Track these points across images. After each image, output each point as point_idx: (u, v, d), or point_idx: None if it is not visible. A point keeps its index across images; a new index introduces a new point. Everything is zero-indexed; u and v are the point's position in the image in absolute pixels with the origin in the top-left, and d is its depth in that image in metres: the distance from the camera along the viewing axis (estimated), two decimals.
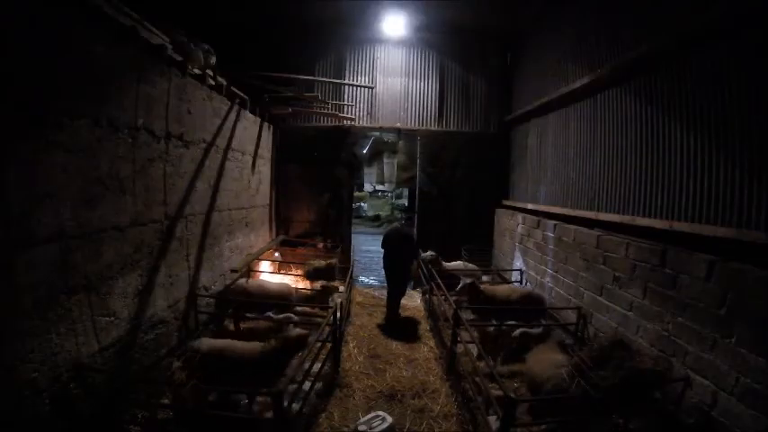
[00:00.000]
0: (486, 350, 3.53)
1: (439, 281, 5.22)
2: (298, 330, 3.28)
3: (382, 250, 5.57)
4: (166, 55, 3.49)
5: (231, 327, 4.40)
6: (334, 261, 5.95)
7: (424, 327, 5.40)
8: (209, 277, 4.49)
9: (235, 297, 4.45)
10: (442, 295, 4.97)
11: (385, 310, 5.68)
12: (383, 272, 5.68)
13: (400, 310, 5.68)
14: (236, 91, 5.10)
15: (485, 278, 6.35)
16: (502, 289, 5.09)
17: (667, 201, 3.26)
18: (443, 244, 7.06)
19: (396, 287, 5.50)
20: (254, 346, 3.10)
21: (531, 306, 4.63)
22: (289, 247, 7.21)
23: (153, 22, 3.25)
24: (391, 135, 7.64)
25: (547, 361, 3.13)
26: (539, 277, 5.34)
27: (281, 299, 4.59)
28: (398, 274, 5.47)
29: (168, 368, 2.85)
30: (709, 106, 2.85)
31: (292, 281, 6.18)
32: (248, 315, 4.41)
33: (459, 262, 6.53)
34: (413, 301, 6.65)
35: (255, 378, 2.93)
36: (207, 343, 3.10)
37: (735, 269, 2.47)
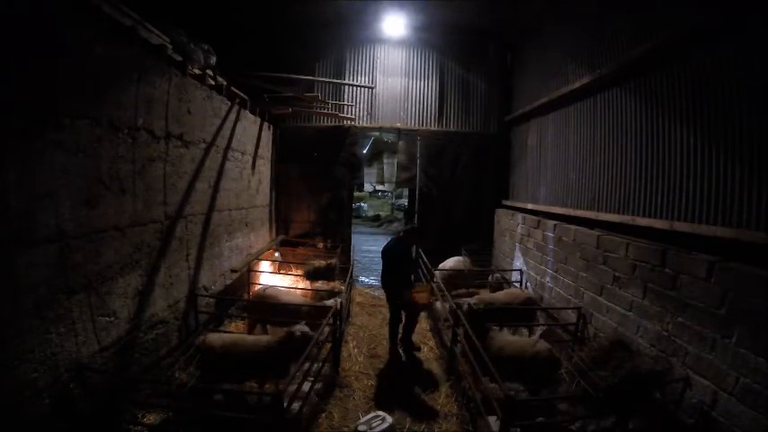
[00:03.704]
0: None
1: (441, 283, 5.22)
2: (303, 329, 3.12)
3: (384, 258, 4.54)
4: (166, 55, 3.49)
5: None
6: (334, 261, 5.95)
7: (424, 327, 5.39)
8: (209, 277, 4.50)
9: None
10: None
11: (385, 309, 5.67)
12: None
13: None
14: (236, 91, 5.10)
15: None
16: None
17: (667, 201, 3.26)
18: (443, 244, 7.06)
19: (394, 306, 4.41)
20: (262, 339, 3.11)
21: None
22: (289, 248, 7.20)
23: (153, 22, 3.25)
24: (391, 135, 7.62)
25: (518, 341, 3.44)
26: (539, 277, 5.33)
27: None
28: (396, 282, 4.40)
29: (169, 368, 2.84)
30: (710, 106, 2.85)
31: (293, 281, 6.19)
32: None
33: (456, 258, 6.42)
34: None
35: (263, 373, 2.93)
36: (215, 338, 3.12)
37: (735, 269, 2.46)
